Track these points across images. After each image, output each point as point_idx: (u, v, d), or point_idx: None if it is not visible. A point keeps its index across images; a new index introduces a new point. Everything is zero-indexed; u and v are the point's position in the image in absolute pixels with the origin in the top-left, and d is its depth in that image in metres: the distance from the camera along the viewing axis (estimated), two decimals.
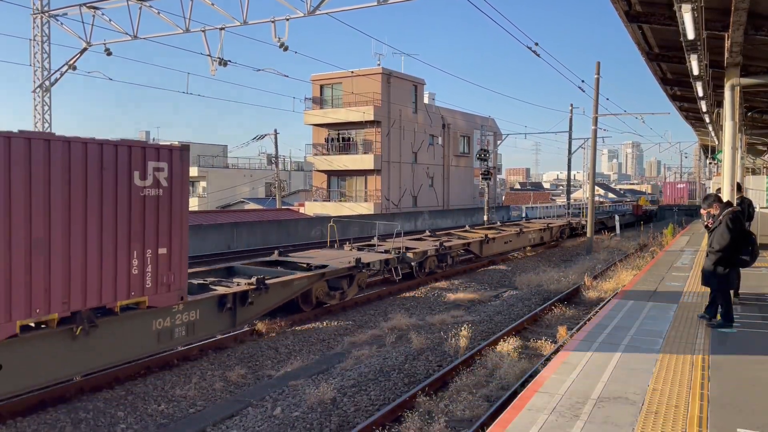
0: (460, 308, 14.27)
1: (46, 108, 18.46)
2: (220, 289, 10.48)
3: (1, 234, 6.92)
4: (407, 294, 16.17)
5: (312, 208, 41.00)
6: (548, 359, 8.76)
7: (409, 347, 10.76)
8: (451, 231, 24.61)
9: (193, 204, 51.27)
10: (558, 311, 13.48)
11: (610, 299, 11.78)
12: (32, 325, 7.46)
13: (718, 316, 8.82)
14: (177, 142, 9.12)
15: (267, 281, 11.14)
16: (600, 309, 10.81)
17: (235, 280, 11.51)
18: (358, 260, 13.93)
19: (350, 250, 16.61)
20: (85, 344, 7.99)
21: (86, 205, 7.67)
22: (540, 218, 37.23)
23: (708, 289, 9.14)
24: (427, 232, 21.76)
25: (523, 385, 7.62)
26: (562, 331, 11.33)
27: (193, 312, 9.50)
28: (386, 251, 15.99)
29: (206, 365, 9.83)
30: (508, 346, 10.22)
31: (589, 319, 10.43)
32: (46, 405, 7.98)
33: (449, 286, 17.23)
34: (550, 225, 27.79)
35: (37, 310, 7.28)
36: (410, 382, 9.10)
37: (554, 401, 5.94)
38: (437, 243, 18.18)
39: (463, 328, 11.22)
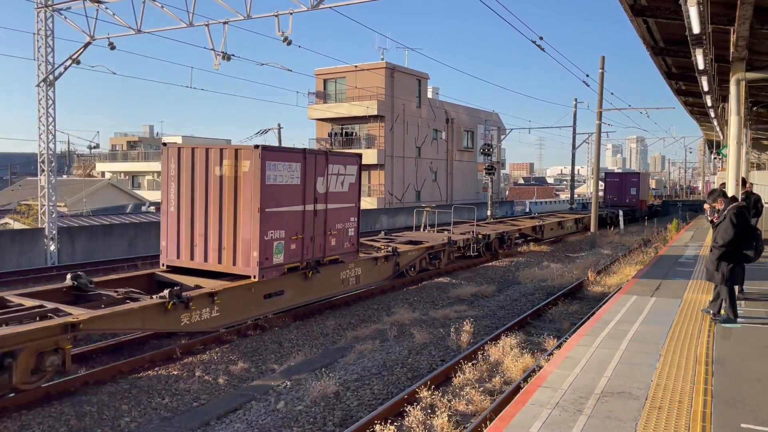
0: (463, 303, 14.28)
1: (50, 102, 18.47)
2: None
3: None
4: (411, 288, 16.18)
5: None
6: (551, 354, 8.75)
7: (412, 342, 10.78)
8: None
9: None
10: (561, 306, 13.47)
11: (613, 294, 11.77)
12: None
13: (723, 312, 8.81)
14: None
15: None
16: (604, 304, 10.80)
17: None
18: None
19: None
20: None
21: None
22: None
23: (712, 284, 9.13)
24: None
25: (526, 380, 7.63)
26: (565, 325, 11.34)
27: None
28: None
29: (209, 359, 9.87)
30: (512, 341, 10.23)
31: (592, 314, 10.43)
32: (51, 398, 8.02)
33: (452, 281, 17.23)
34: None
35: None
36: (413, 377, 9.12)
37: (558, 396, 5.93)
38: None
39: (466, 323, 11.22)
